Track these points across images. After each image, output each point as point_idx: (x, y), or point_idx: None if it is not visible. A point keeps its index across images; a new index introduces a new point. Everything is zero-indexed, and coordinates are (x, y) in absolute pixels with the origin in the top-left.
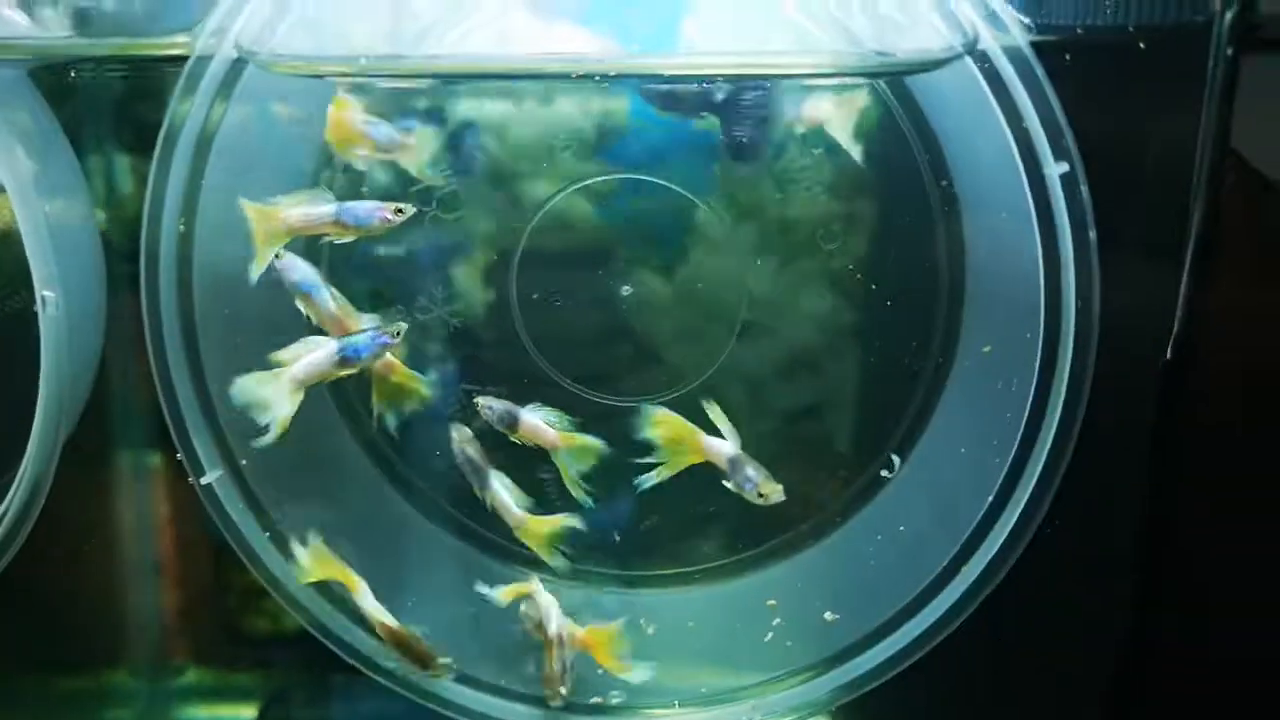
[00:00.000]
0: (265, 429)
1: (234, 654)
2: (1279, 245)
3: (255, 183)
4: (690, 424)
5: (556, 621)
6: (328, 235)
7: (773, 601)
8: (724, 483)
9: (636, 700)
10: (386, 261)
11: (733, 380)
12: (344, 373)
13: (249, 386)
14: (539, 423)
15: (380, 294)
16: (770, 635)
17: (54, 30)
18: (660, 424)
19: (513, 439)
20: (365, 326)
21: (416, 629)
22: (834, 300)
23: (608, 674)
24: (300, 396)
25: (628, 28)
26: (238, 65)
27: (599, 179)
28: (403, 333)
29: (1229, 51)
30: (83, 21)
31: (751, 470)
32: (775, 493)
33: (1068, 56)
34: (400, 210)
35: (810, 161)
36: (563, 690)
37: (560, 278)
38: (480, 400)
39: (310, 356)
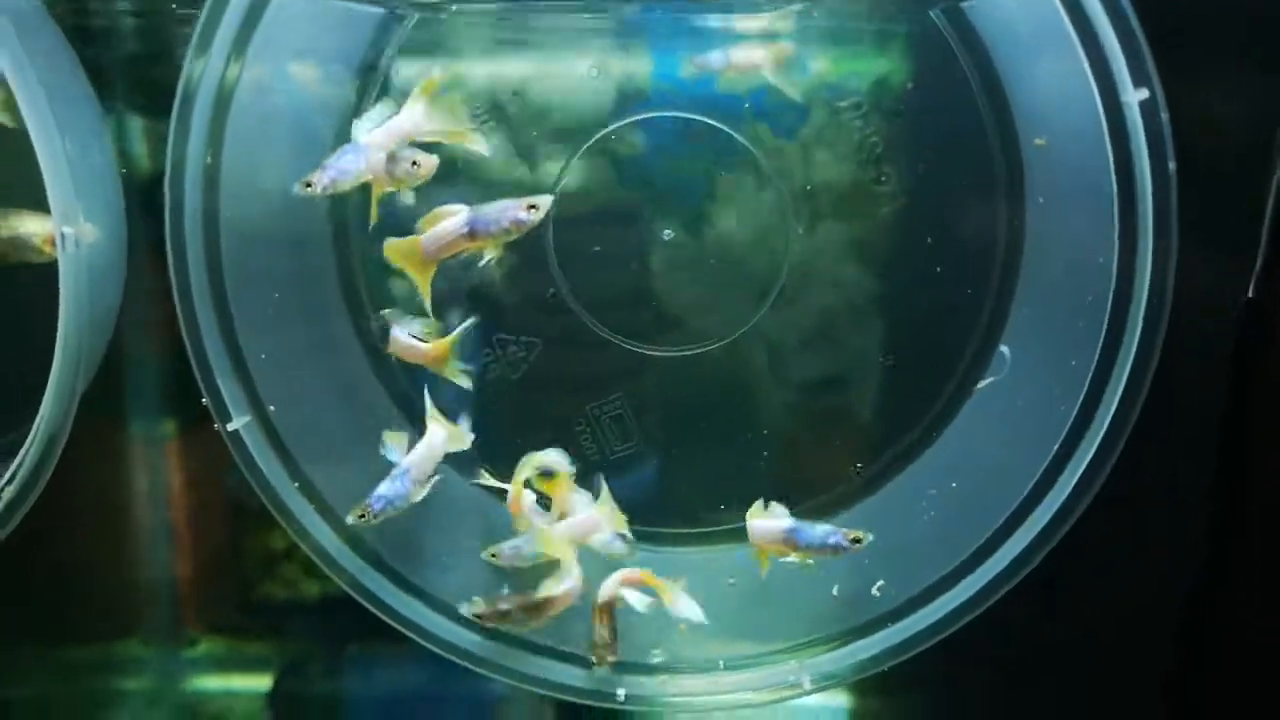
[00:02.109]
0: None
1: (249, 623)
2: None
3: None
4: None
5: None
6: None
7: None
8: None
9: (678, 659)
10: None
11: (777, 333)
12: (474, 246)
13: (392, 250)
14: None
15: None
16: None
17: None
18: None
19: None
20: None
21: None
22: (889, 245)
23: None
24: (432, 270)
25: None
26: None
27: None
28: (542, 209)
29: None
30: None
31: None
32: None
33: None
34: None
35: (859, 99)
36: (610, 658)
37: (598, 224)
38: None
39: (440, 226)
